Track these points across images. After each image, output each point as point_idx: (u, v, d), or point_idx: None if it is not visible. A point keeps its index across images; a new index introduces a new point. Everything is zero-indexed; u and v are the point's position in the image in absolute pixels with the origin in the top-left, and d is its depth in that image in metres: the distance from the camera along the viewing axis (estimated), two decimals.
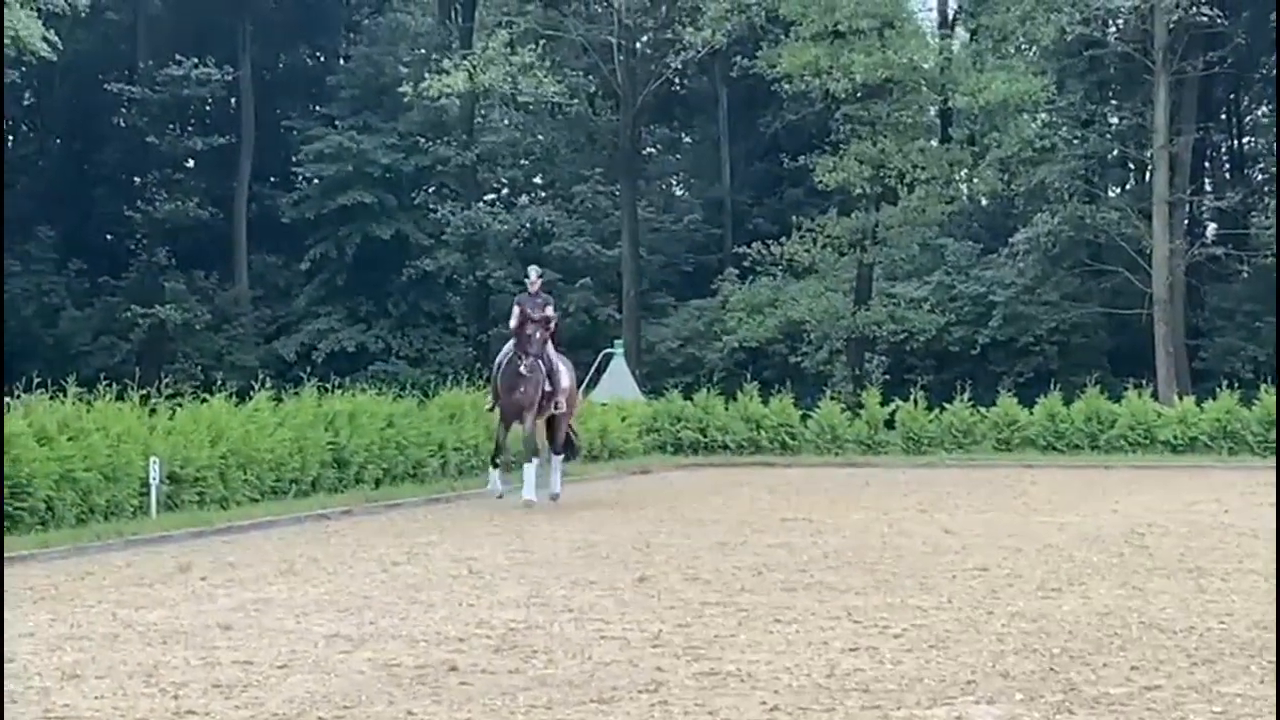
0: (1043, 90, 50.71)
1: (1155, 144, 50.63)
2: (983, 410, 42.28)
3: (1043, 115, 52.44)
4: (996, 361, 52.63)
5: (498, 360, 25.98)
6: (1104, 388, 43.60)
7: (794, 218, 54.60)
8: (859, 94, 49.58)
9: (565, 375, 27.35)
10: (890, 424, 42.20)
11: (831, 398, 45.43)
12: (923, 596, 15.48)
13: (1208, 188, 59.32)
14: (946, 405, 42.71)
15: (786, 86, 50.93)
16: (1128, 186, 59.68)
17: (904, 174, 50.96)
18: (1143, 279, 50.68)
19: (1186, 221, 53.45)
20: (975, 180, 52.23)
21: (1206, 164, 61.84)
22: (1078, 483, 32.73)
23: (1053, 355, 53.35)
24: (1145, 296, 50.49)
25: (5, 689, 10.60)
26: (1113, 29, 53.77)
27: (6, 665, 11.25)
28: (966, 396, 43.10)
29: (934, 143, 53.16)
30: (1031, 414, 41.71)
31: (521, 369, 23.99)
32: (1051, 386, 44.36)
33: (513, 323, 25.63)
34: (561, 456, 26.64)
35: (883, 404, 43.08)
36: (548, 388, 25.30)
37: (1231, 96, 62.33)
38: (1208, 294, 55.85)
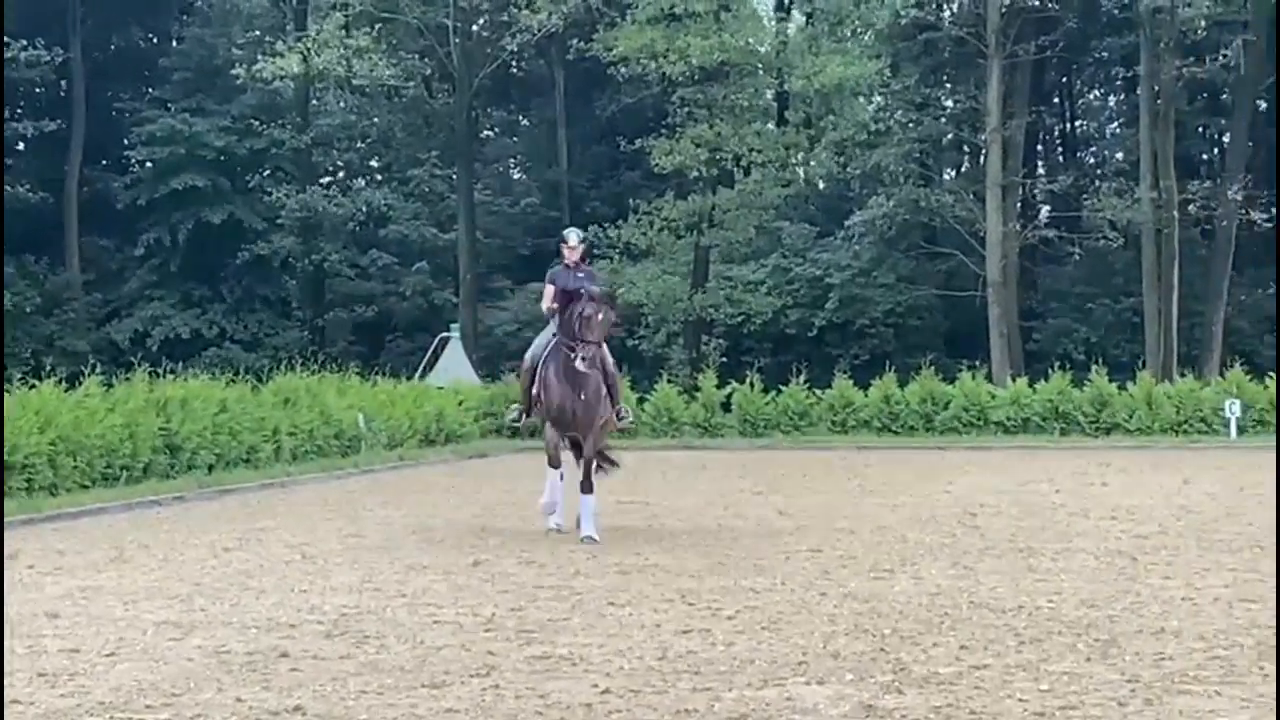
0: (878, 74, 51.15)
1: (988, 127, 51.16)
2: (819, 392, 42.64)
3: (878, 98, 52.92)
4: (833, 344, 53.02)
5: (532, 352, 19.35)
6: (939, 370, 44.07)
7: (631, 201, 54.79)
8: (695, 77, 49.78)
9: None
10: (727, 406, 42.46)
11: (669, 381, 45.57)
12: (756, 578, 15.63)
13: (1040, 171, 59.91)
14: (783, 387, 43.04)
15: (623, 70, 51.08)
16: (962, 169, 60.33)
17: (740, 157, 51.26)
18: (977, 261, 51.21)
19: (1019, 204, 54.04)
20: (811, 163, 52.59)
21: (1039, 147, 62.52)
22: (912, 464, 33.03)
23: (888, 337, 53.81)
24: (979, 279, 51.04)
25: None
26: (947, 13, 54.34)
27: None
28: (803, 379, 43.45)
29: (770, 126, 53.45)
30: (867, 396, 42.10)
31: (579, 364, 17.60)
32: (887, 368, 44.78)
33: (545, 302, 19.29)
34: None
35: (719, 386, 43.34)
36: (603, 391, 18.64)
37: (1063, 80, 63.06)
38: (1040, 276, 56.46)
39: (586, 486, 18.64)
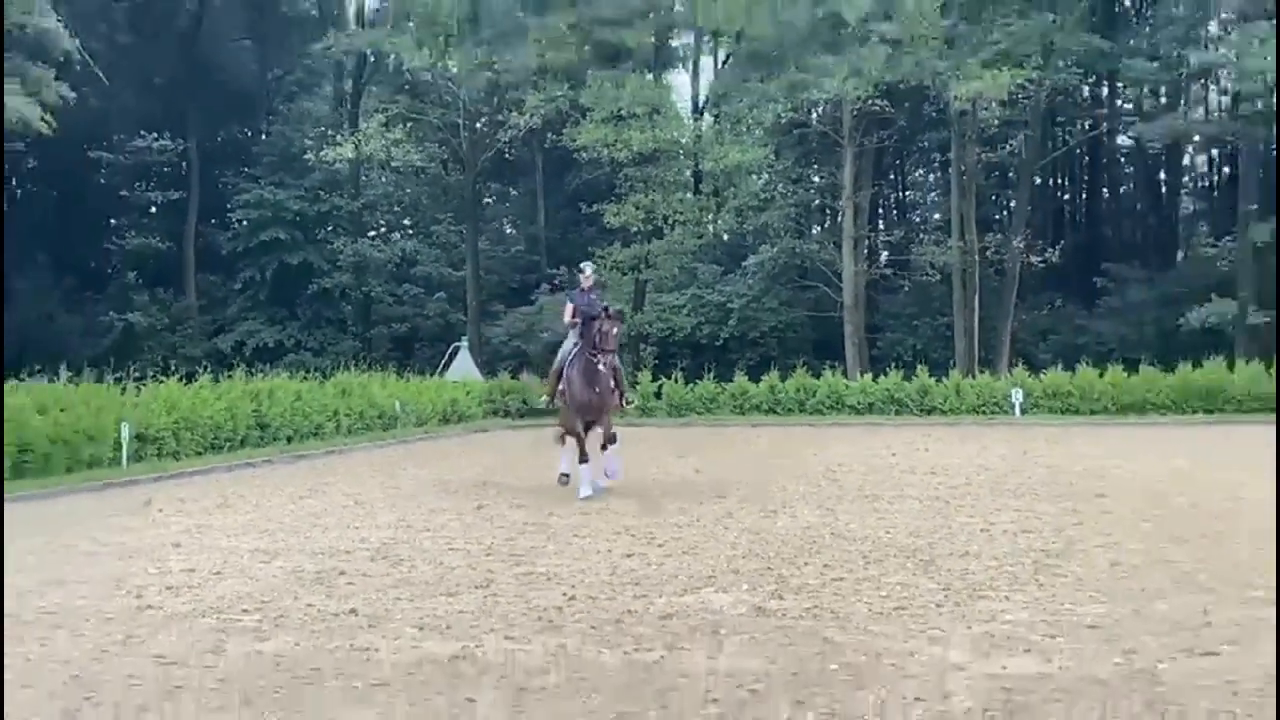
0: (765, 158, 51.24)
1: (844, 196, 51.24)
2: (724, 385, 42.62)
3: (765, 175, 52.85)
4: (733, 350, 52.91)
5: (561, 355, 19.12)
6: (809, 369, 44.03)
7: (589, 248, 54.68)
8: (635, 160, 49.73)
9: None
10: (658, 395, 42.42)
11: None
12: (679, 517, 15.70)
13: (880, 226, 59.95)
14: (699, 381, 43.00)
15: (584, 154, 50.99)
16: (825, 226, 60.29)
17: (667, 217, 51.29)
18: (835, 291, 51.30)
19: (866, 251, 54.05)
20: (718, 221, 52.56)
21: (880, 210, 62.58)
22: (790, 437, 33.05)
23: (773, 346, 53.77)
24: (838, 304, 51.09)
25: (4, 594, 10.45)
26: (814, 114, 54.23)
27: (8, 579, 11.14)
28: (712, 375, 43.48)
29: (689, 195, 53.43)
30: (758, 387, 42.09)
31: (600, 366, 18.04)
32: (772, 368, 44.87)
33: (566, 318, 19.18)
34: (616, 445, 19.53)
35: (653, 380, 43.29)
36: (611, 384, 18.69)
37: (897, 162, 63.20)
38: (880, 302, 56.48)
39: (608, 444, 19.07)
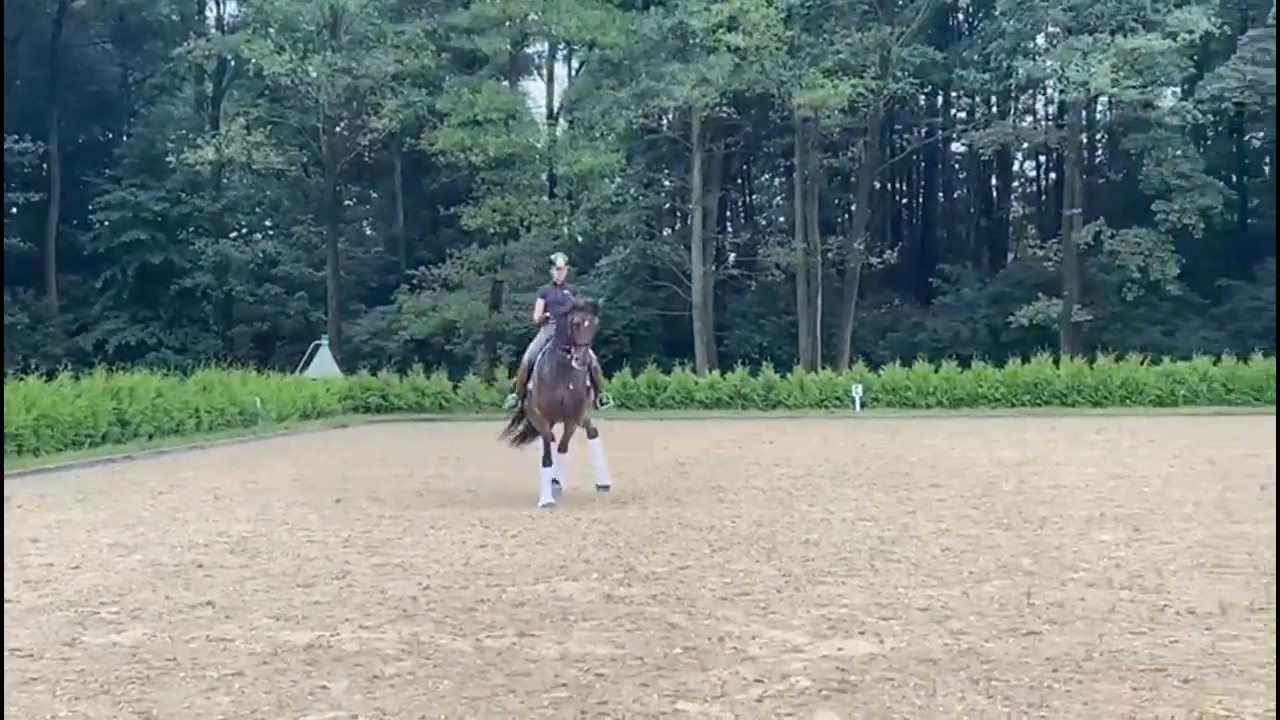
0: (617, 163, 51.25)
1: (693, 200, 51.59)
2: None
3: (617, 179, 52.97)
4: (600, 343, 52.82)
5: (530, 353, 17.19)
6: (660, 365, 44.24)
7: (447, 250, 54.56)
8: (492, 164, 49.58)
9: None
10: (514, 391, 42.24)
11: (474, 374, 45.43)
12: (532, 509, 15.69)
13: (728, 229, 60.33)
14: None
15: (442, 158, 50.79)
16: (675, 228, 60.55)
17: (523, 219, 51.17)
18: (685, 291, 51.58)
19: (715, 252, 54.38)
20: (573, 223, 52.59)
21: (728, 213, 62.98)
22: (640, 431, 33.11)
23: (626, 343, 53.89)
24: (687, 303, 51.37)
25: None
26: (664, 121, 54.47)
27: None
28: None
29: (544, 198, 53.38)
30: (611, 383, 42.09)
31: (573, 362, 16.07)
32: (624, 364, 44.94)
33: (536, 314, 17.46)
34: (598, 439, 17.70)
35: (509, 377, 43.19)
36: (587, 383, 16.81)
37: (744, 167, 63.62)
38: (728, 301, 56.85)
39: (562, 448, 16.99)
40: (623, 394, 41.57)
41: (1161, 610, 9.14)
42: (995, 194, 65.73)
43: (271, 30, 52.13)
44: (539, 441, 17.36)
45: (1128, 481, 18.05)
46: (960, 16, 61.15)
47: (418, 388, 42.27)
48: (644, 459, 23.58)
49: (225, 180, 60.07)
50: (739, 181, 64.22)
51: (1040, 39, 52.58)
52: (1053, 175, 62.36)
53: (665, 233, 60.06)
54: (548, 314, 16.85)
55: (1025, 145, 59.75)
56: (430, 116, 50.54)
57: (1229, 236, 54.66)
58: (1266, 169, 62.03)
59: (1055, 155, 58.87)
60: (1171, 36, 47.50)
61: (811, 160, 52.06)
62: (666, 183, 58.66)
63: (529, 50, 59.11)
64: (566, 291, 17.05)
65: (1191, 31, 47.63)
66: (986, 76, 54.65)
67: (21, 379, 27.25)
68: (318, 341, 46.71)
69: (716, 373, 44.12)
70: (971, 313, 54.48)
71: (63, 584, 10.79)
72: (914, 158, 62.61)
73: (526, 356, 17.27)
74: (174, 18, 62.76)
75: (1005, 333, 50.75)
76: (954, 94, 61.37)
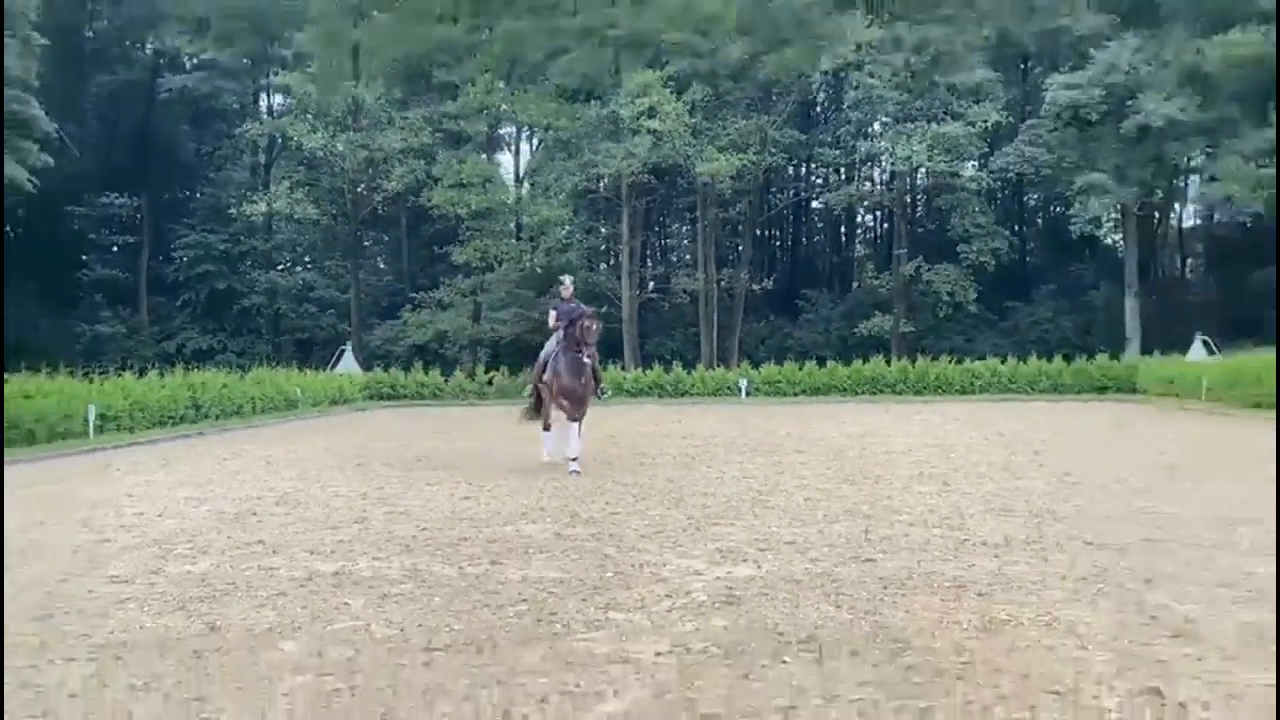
0: (566, 215, 51.15)
1: (623, 242, 51.42)
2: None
3: (566, 227, 52.74)
4: None
5: (546, 352, 16.47)
6: (602, 366, 44.01)
7: (441, 279, 54.27)
8: (474, 215, 49.39)
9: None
10: (490, 382, 42.08)
11: (460, 370, 45.15)
12: (500, 470, 15.62)
13: (649, 264, 60.23)
14: (520, 374, 42.73)
15: (436, 211, 50.49)
16: (610, 263, 60.20)
17: (497, 256, 51.00)
18: (617, 309, 51.42)
19: (638, 281, 54.26)
20: (534, 259, 52.22)
21: (648, 251, 62.81)
22: (602, 415, 32.99)
23: None
24: (619, 318, 51.26)
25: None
26: (601, 184, 54.31)
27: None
28: (530, 370, 43.21)
29: (513, 240, 53.01)
30: (604, 370, 41.91)
31: (584, 358, 15.43)
32: None
33: (551, 323, 16.65)
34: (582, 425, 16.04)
35: (486, 373, 42.99)
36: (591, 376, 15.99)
37: (660, 218, 63.43)
38: (649, 319, 56.75)
39: (578, 434, 15.56)
40: None
41: (963, 543, 9.23)
42: (844, 238, 66.01)
43: (309, 115, 51.87)
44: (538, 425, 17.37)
45: (939, 449, 18.20)
46: (818, 109, 61.40)
47: (418, 380, 41.91)
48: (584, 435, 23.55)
49: (274, 227, 59.12)
50: (656, 229, 64.08)
51: (876, 125, 52.89)
52: (885, 225, 62.67)
53: (602, 266, 59.80)
54: (560, 322, 16.17)
55: (865, 203, 60.00)
56: (428, 180, 50.32)
57: (1012, 270, 55.16)
58: (1039, 221, 62.79)
59: (887, 210, 59.23)
60: (970, 124, 48.10)
61: (709, 213, 52.23)
62: (603, 229, 58.57)
63: (501, 131, 58.94)
64: (573, 305, 16.47)
65: (985, 121, 48.26)
66: (837, 152, 55.02)
67: (120, 375, 26.88)
68: (343, 347, 46.35)
69: (640, 369, 44.09)
70: (827, 325, 54.70)
71: (149, 527, 10.63)
72: (785, 212, 62.83)
73: (542, 356, 16.65)
74: (235, 105, 62.06)
75: (851, 340, 51.00)
76: (814, 165, 61.59)
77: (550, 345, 16.39)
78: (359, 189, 55.29)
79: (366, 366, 45.51)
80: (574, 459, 15.31)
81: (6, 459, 17.39)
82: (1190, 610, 6.75)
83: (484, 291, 52.64)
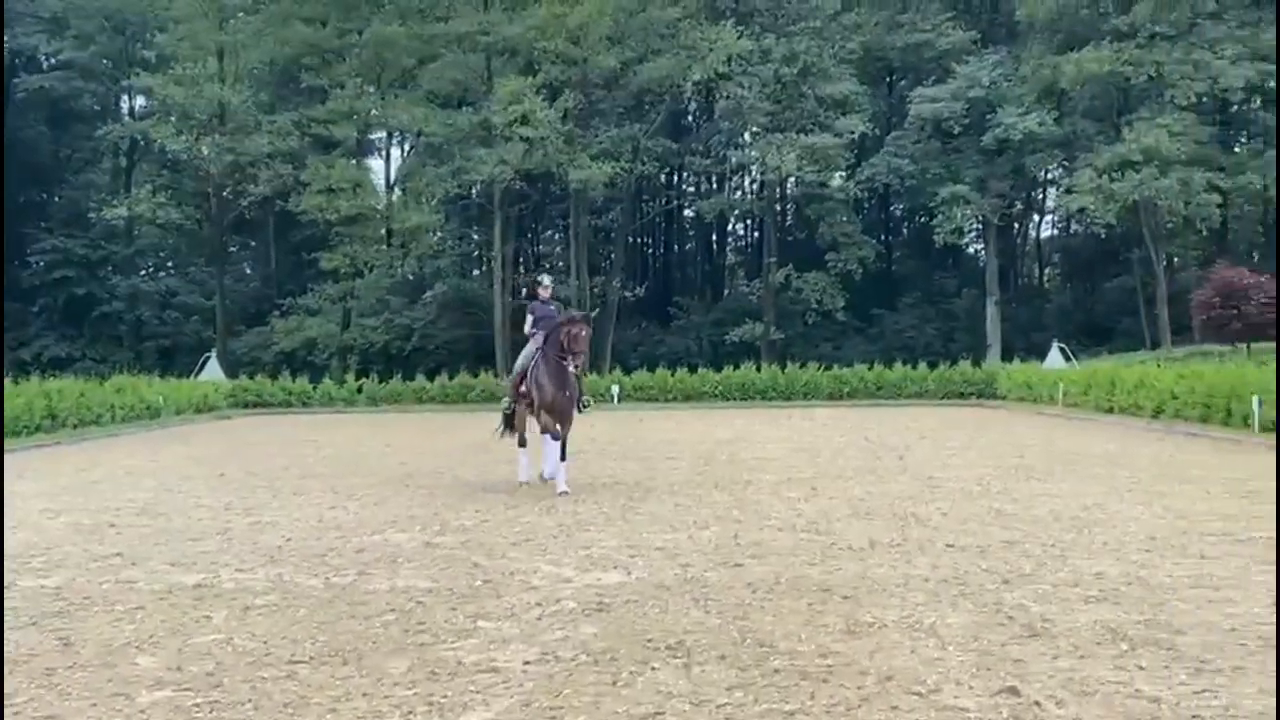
0: (438, 221, 50.83)
1: (495, 249, 51.14)
2: (408, 383, 42.00)
3: (438, 233, 52.39)
4: (415, 359, 51.88)
5: (521, 362, 14.51)
6: (470, 371, 43.82)
7: (309, 285, 53.44)
8: (343, 221, 48.76)
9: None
10: (360, 390, 41.46)
11: (329, 377, 44.45)
12: (369, 477, 15.41)
13: (521, 270, 59.94)
14: (390, 381, 42.31)
15: (305, 216, 49.71)
16: (482, 270, 59.93)
17: (367, 262, 50.41)
18: (489, 316, 51.18)
19: (511, 287, 54.01)
20: (404, 266, 51.70)
21: (521, 258, 62.58)
22: (455, 421, 32.80)
23: (445, 355, 52.96)
24: (491, 325, 51.00)
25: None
26: (474, 190, 54.04)
27: None
28: (400, 376, 42.90)
29: (384, 246, 52.36)
30: (433, 384, 41.63)
31: (571, 369, 13.48)
32: (443, 371, 44.47)
33: (527, 327, 14.65)
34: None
35: (355, 380, 42.42)
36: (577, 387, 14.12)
37: (533, 225, 63.32)
38: (522, 324, 56.40)
39: (563, 455, 13.74)
40: (442, 393, 41.13)
41: (830, 547, 9.36)
42: (715, 246, 66.64)
43: (173, 118, 50.73)
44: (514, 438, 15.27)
45: (807, 454, 18.46)
46: (690, 118, 61.95)
47: (285, 388, 41.12)
48: (457, 440, 23.36)
49: (136, 231, 57.61)
50: (529, 235, 63.99)
51: (747, 135, 53.56)
52: (756, 233, 63.47)
53: (475, 273, 59.57)
54: (538, 327, 14.37)
55: (736, 212, 60.90)
56: (296, 185, 49.51)
57: (879, 278, 56.30)
58: (905, 230, 64.16)
59: (758, 219, 60.06)
60: (838, 136, 48.98)
61: (582, 221, 52.30)
62: (475, 236, 58.47)
63: (372, 136, 58.26)
64: (552, 307, 14.77)
65: (852, 132, 49.26)
66: (708, 161, 55.60)
67: None
68: (208, 354, 45.30)
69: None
70: (698, 332, 55.13)
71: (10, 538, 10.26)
72: (657, 220, 63.21)
73: (520, 364, 14.56)
74: (95, 106, 60.31)
75: (722, 347, 51.50)
76: (685, 174, 62.15)
77: (529, 350, 14.45)
78: (224, 193, 54.23)
79: (232, 374, 44.56)
80: (551, 477, 13.98)
81: None
82: (1045, 610, 6.94)
83: (354, 298, 52.01)
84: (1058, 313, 57.18)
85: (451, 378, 42.26)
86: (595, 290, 52.35)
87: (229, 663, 6.01)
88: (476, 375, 42.88)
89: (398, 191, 55.82)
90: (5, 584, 8.23)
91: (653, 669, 5.75)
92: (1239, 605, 7.02)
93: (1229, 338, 36.50)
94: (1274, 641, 6.14)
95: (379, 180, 56.91)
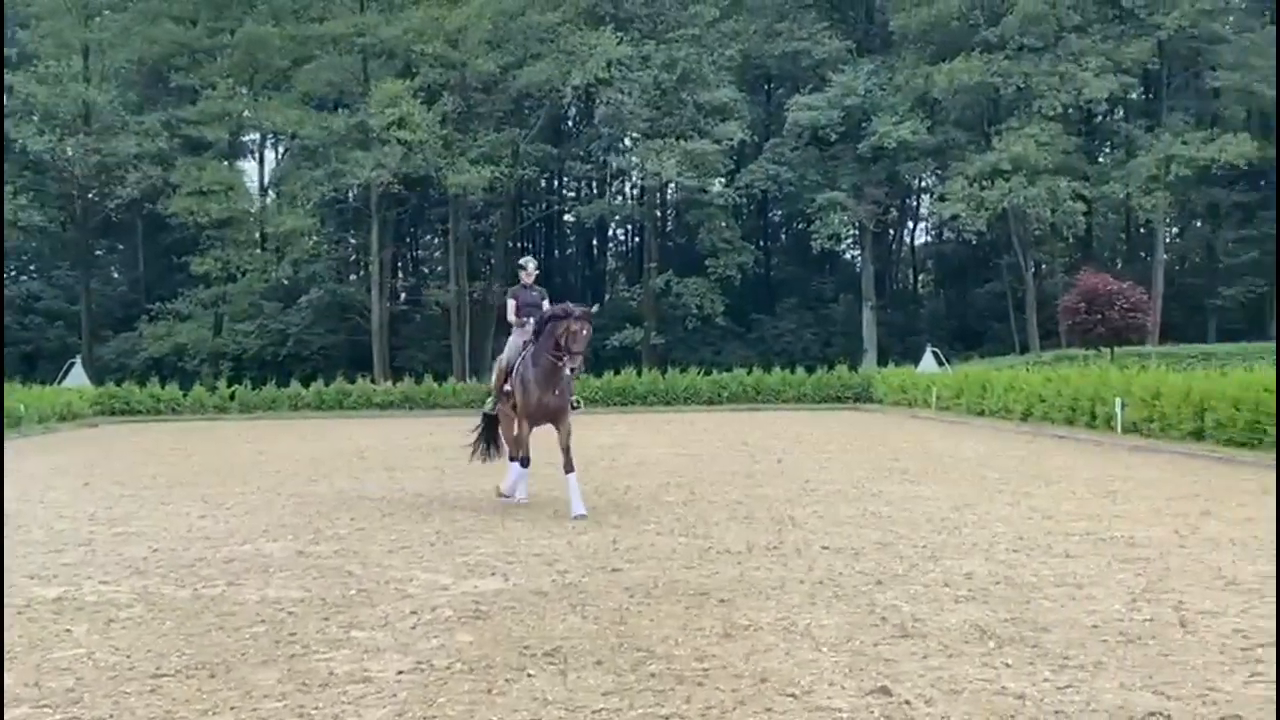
0: (313, 225, 50.11)
1: (372, 253, 50.58)
2: (283, 389, 41.24)
3: (314, 237, 51.59)
4: (290, 365, 50.96)
5: (507, 358, 12.91)
6: (347, 376, 43.16)
7: (179, 289, 52.28)
8: (215, 225, 47.87)
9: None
10: (232, 396, 40.59)
11: (201, 384, 43.46)
12: (243, 485, 15.11)
13: (400, 275, 59.53)
14: (264, 387, 41.49)
15: (175, 219, 48.69)
16: (360, 274, 58.97)
17: (240, 267, 49.57)
18: (366, 321, 50.59)
19: (389, 292, 53.45)
20: (279, 270, 50.72)
21: (399, 263, 61.85)
22: (332, 427, 32.32)
23: (320, 361, 51.99)
24: (368, 330, 50.38)
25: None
26: (351, 194, 53.35)
27: None
28: (274, 383, 42.12)
29: (258, 250, 51.55)
30: (308, 390, 40.93)
31: (567, 369, 11.79)
32: (319, 377, 43.70)
33: (510, 316, 13.05)
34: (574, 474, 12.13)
35: (228, 386, 41.51)
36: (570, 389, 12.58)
37: (412, 229, 62.74)
38: (400, 328, 55.90)
39: (569, 466, 11.95)
40: (318, 399, 40.48)
41: (707, 550, 9.42)
42: (596, 251, 66.73)
43: (35, 118, 49.19)
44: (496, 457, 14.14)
45: (687, 458, 18.58)
46: (570, 123, 61.96)
47: (155, 395, 40.11)
48: (331, 447, 23.01)
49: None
50: (408, 240, 63.38)
51: (627, 141, 53.73)
52: (637, 239, 63.71)
53: (352, 278, 58.70)
54: (524, 315, 12.91)
55: (617, 217, 61.03)
56: (166, 187, 48.41)
57: (758, 284, 57.00)
58: (783, 236, 64.95)
59: (638, 224, 60.29)
60: (717, 142, 49.40)
61: (462, 225, 52.02)
62: (352, 240, 57.74)
63: (245, 138, 57.21)
64: (535, 293, 13.21)
65: (731, 139, 49.69)
66: (589, 167, 55.78)
67: None
68: (72, 360, 43.95)
69: (390, 382, 43.39)
70: None
71: None
72: (537, 224, 63.06)
73: (504, 360, 12.97)
74: None
75: (603, 352, 51.48)
76: (566, 179, 62.18)
77: (514, 343, 12.85)
78: (90, 195, 52.78)
79: (98, 381, 43.30)
80: (509, 495, 12.86)
81: None
82: (917, 610, 7.07)
83: (226, 303, 51.05)
84: (931, 318, 58.45)
85: (328, 384, 41.63)
86: (475, 295, 52.11)
87: (90, 678, 5.83)
88: (354, 381, 42.33)
89: (272, 194, 54.95)
90: None
91: (529, 676, 5.72)
92: (1100, 602, 7.23)
93: (1093, 342, 37.64)
94: (1135, 637, 6.34)
95: (252, 183, 56.02)
